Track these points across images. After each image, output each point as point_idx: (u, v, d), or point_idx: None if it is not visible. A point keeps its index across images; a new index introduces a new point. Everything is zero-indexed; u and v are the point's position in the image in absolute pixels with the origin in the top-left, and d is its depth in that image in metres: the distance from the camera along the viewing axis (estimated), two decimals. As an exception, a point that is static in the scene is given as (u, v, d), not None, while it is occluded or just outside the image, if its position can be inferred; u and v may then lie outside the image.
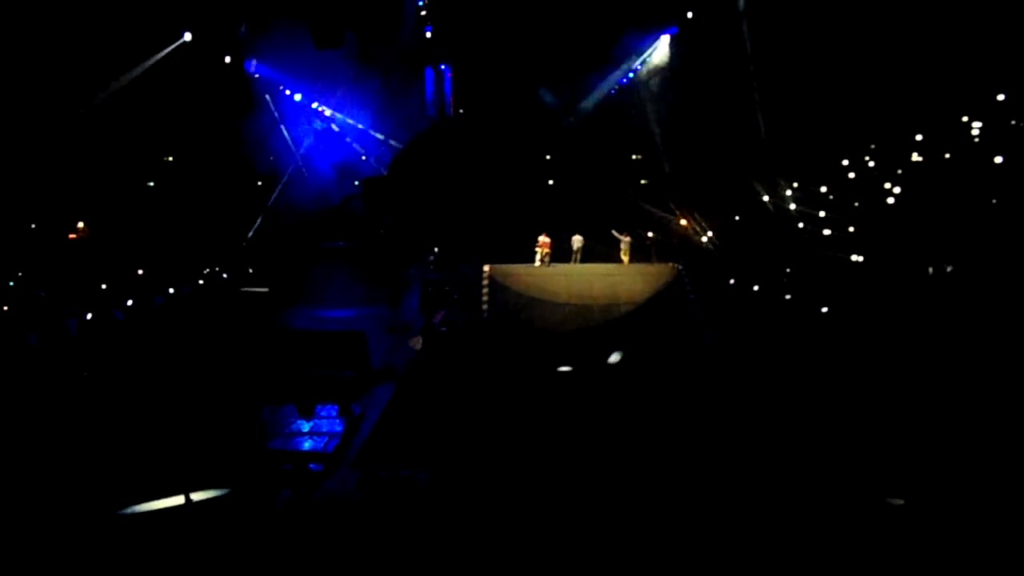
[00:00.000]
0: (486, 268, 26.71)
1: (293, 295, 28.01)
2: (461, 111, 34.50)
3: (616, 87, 33.44)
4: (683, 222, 30.12)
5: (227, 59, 27.78)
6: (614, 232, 28.67)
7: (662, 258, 29.07)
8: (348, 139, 33.57)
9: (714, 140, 28.01)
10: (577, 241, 29.26)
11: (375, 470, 14.58)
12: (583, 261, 29.07)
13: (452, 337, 24.60)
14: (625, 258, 28.71)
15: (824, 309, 22.94)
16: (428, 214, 32.13)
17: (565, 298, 24.74)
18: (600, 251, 29.21)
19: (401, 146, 33.97)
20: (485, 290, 25.43)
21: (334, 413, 18.81)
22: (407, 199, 32.63)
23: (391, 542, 11.83)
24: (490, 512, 12.52)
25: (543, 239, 28.60)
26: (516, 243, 29.28)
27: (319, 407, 19.14)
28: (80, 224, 25.36)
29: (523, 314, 24.07)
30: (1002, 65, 21.46)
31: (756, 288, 25.53)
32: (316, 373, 21.29)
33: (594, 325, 23.27)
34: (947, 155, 22.94)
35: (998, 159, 21.49)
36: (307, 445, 17.42)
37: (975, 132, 22.44)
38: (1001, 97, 21.89)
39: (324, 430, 18.22)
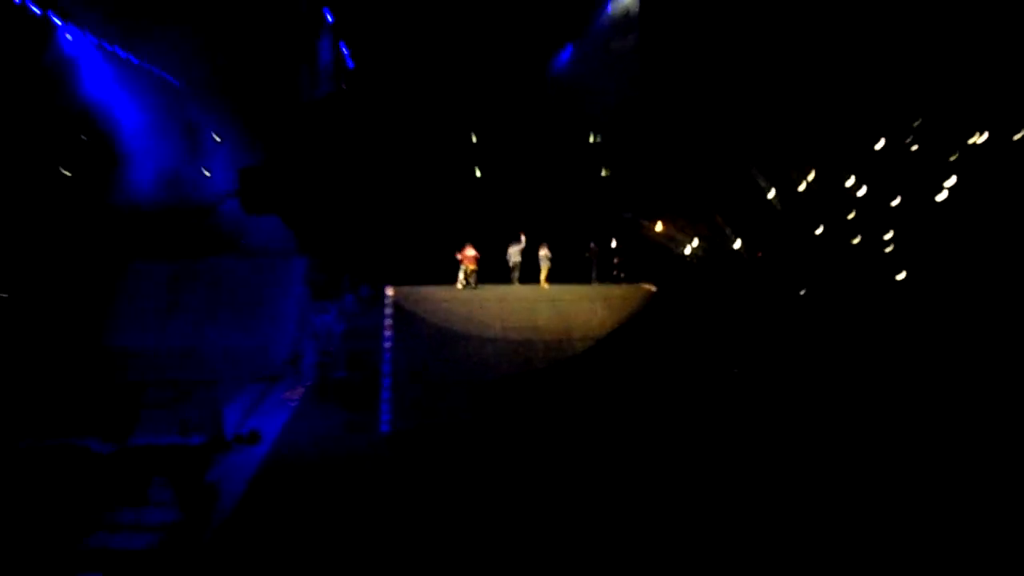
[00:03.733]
0: (390, 291, 26.28)
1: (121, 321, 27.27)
2: (360, 82, 34.23)
3: (571, 51, 33.33)
4: (659, 227, 30.35)
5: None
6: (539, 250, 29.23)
7: (604, 275, 29.91)
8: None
9: (700, 117, 27.92)
10: (515, 254, 29.29)
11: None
12: (522, 280, 29.28)
13: (348, 387, 24.67)
14: (542, 276, 29.14)
15: (856, 350, 22.89)
16: (319, 216, 31.75)
17: (498, 331, 24.73)
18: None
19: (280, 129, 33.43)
20: (388, 321, 24.95)
21: (166, 498, 17.84)
22: (294, 197, 32.24)
23: None
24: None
25: (468, 252, 28.34)
26: (431, 256, 29.34)
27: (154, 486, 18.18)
28: None
29: (440, 354, 23.84)
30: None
31: (758, 317, 25.61)
32: (148, 440, 20.53)
33: (537, 368, 23.39)
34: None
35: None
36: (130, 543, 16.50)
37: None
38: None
39: (153, 521, 17.16)
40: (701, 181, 28.49)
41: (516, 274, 29.36)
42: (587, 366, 23.50)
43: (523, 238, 29.33)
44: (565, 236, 30.00)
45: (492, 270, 29.15)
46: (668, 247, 30.03)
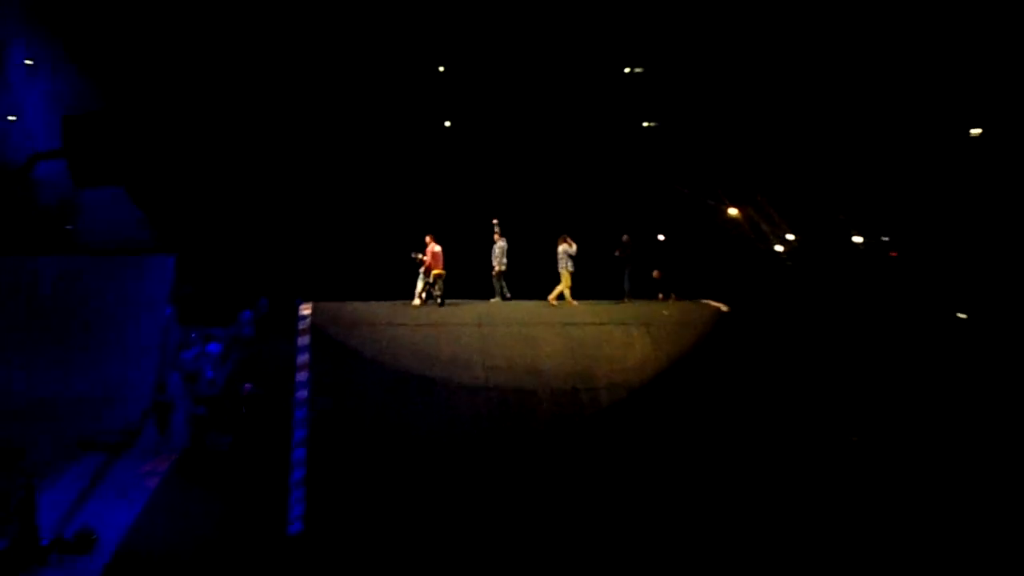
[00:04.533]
0: (306, 309, 25.99)
1: None
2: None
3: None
4: (733, 212, 30.33)
5: None
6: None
7: (642, 285, 29.70)
8: None
9: (798, 36, 27.96)
10: (501, 255, 29.44)
11: None
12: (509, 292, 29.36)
13: (239, 458, 24.17)
14: (564, 289, 29.06)
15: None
16: (193, 192, 31.52)
17: (479, 373, 24.55)
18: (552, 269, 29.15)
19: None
20: (304, 357, 24.58)
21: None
22: (152, 161, 31.89)
23: None
24: None
25: (431, 248, 28.27)
26: (370, 256, 29.88)
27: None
28: None
29: (386, 409, 23.43)
30: None
31: (891, 352, 25.34)
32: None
33: (540, 431, 23.11)
34: None
35: None
36: None
37: None
38: None
39: None
40: (798, 139, 28.41)
41: (502, 285, 29.59)
42: (619, 430, 23.20)
43: (499, 231, 29.40)
44: (582, 224, 29.94)
45: (467, 277, 29.23)
46: (746, 243, 30.06)
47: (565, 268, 28.85)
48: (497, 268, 29.34)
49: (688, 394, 24.17)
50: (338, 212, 31.64)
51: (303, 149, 32.80)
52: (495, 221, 29.25)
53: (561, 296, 28.78)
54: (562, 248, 28.89)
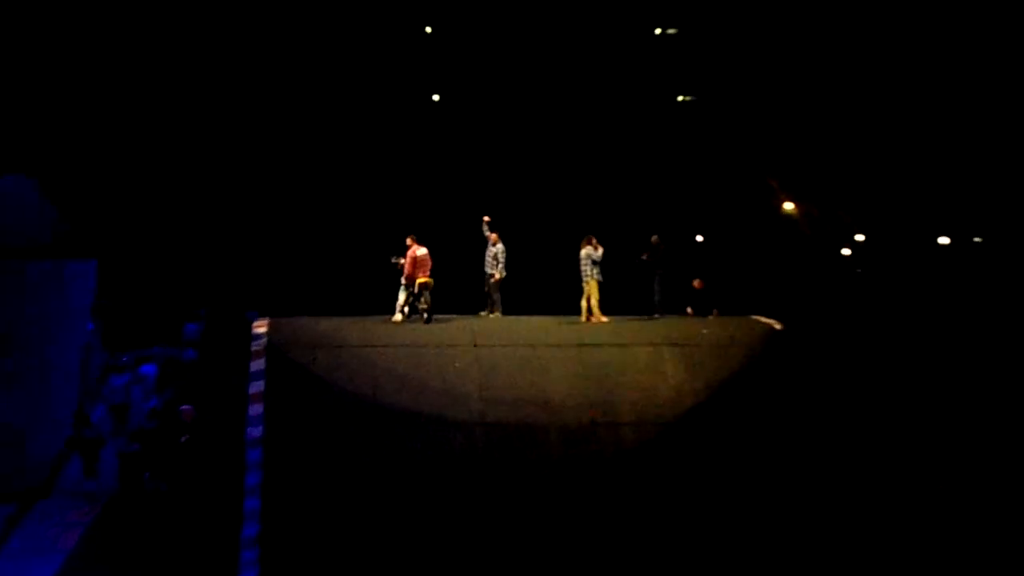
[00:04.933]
0: (260, 327, 25.96)
1: None
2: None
3: None
4: (788, 207, 30.25)
5: None
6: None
7: (674, 299, 29.73)
8: None
9: None
10: (497, 258, 29.54)
11: None
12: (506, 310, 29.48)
13: (177, 508, 23.78)
14: (592, 302, 29.01)
15: None
16: (119, 181, 31.35)
17: (475, 405, 24.45)
18: (571, 279, 29.10)
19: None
20: (258, 386, 24.44)
21: None
22: (64, 141, 31.74)
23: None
24: None
25: (416, 252, 28.30)
26: (339, 262, 29.97)
27: None
28: None
29: (360, 451, 23.29)
30: None
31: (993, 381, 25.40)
32: None
33: (551, 481, 22.90)
34: None
35: None
36: None
37: None
38: None
39: None
40: (869, 116, 28.31)
41: (496, 297, 29.76)
42: (647, 476, 23.04)
43: (492, 234, 29.49)
44: (603, 221, 30.05)
45: (460, 287, 29.39)
46: (804, 245, 30.00)
47: (591, 276, 28.69)
48: (497, 276, 29.26)
49: (733, 432, 23.90)
50: (300, 207, 31.09)
51: (254, 129, 32.32)
52: (486, 219, 29.31)
53: (590, 311, 28.68)
54: (585, 252, 28.78)
